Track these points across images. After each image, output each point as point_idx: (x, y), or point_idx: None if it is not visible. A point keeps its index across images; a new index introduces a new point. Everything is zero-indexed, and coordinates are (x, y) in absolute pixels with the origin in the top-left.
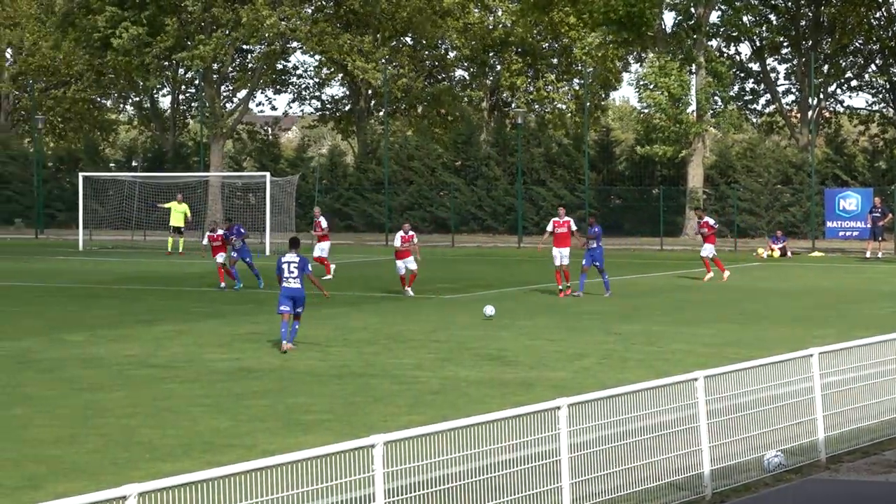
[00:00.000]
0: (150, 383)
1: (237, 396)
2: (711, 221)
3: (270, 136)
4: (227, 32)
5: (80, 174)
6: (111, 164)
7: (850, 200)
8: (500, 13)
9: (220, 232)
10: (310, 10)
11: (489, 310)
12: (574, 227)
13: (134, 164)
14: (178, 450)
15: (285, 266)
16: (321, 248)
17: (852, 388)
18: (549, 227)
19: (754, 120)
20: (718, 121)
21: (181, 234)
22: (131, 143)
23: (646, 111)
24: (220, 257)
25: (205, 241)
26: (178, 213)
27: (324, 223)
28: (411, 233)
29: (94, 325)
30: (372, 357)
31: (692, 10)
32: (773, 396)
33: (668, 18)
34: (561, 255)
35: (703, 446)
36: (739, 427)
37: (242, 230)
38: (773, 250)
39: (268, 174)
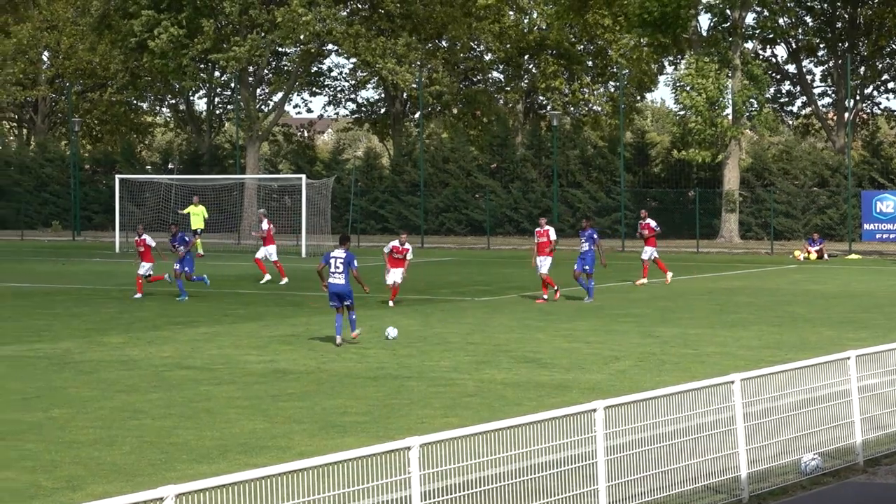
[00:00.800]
0: (186, 385)
1: (273, 398)
2: (653, 224)
3: (306, 139)
4: (263, 34)
5: (117, 176)
6: (147, 167)
7: (888, 203)
8: (535, 15)
9: (145, 237)
10: (345, 13)
11: (392, 332)
12: (553, 237)
13: (170, 166)
14: (215, 451)
15: (332, 261)
16: (267, 251)
17: (890, 391)
18: (536, 239)
19: (790, 122)
20: (754, 123)
21: (197, 235)
22: (167, 146)
23: (682, 113)
24: (143, 268)
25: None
26: (197, 215)
27: (265, 226)
28: (407, 246)
29: (131, 328)
30: (408, 359)
31: (728, 12)
32: (811, 399)
33: (704, 21)
34: (540, 263)
35: (739, 449)
36: (776, 430)
37: (187, 238)
38: (809, 253)
39: (303, 176)
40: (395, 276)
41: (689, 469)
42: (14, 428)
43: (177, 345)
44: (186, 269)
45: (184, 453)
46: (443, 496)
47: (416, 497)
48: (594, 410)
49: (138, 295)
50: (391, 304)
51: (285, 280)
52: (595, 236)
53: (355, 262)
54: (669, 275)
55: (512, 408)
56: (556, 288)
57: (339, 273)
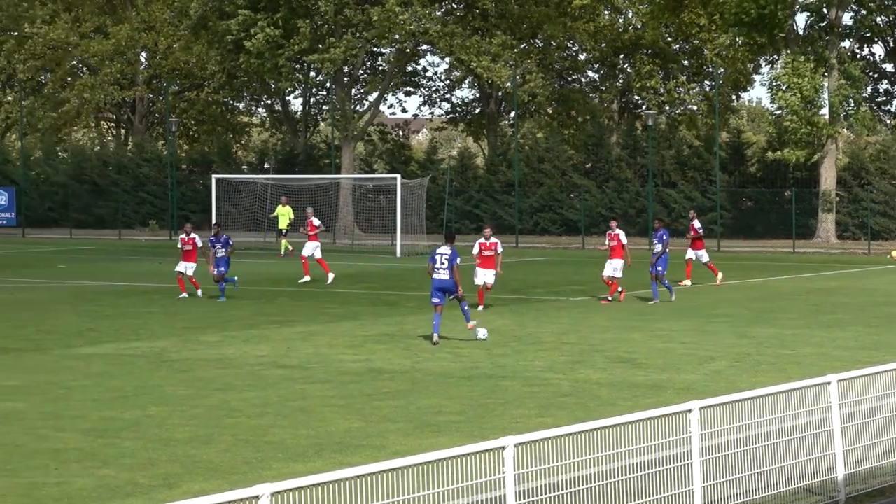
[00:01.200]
0: (281, 384)
1: (368, 397)
2: (697, 225)
3: (401, 139)
4: (358, 34)
5: (213, 176)
6: (243, 167)
7: None
8: (630, 15)
9: (194, 236)
10: (440, 13)
11: (481, 333)
12: (625, 241)
13: (266, 166)
14: (310, 450)
15: (438, 257)
16: (311, 248)
17: None
18: (606, 241)
19: (888, 121)
20: (851, 122)
21: (284, 235)
22: (263, 146)
23: (778, 113)
24: (183, 266)
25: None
26: (284, 216)
27: (316, 222)
28: (494, 240)
29: (227, 327)
30: (502, 359)
31: (824, 11)
32: None
33: (800, 19)
34: (612, 267)
35: (836, 450)
36: (874, 431)
37: (231, 242)
38: None
39: (398, 176)
40: (484, 276)
41: (785, 470)
42: (112, 425)
43: (272, 344)
44: (222, 269)
45: (279, 452)
46: (537, 496)
47: (510, 497)
48: (689, 411)
49: (183, 294)
50: (480, 308)
51: (331, 276)
52: (666, 237)
53: (458, 260)
54: (720, 276)
55: (607, 408)
56: (620, 290)
57: (444, 269)
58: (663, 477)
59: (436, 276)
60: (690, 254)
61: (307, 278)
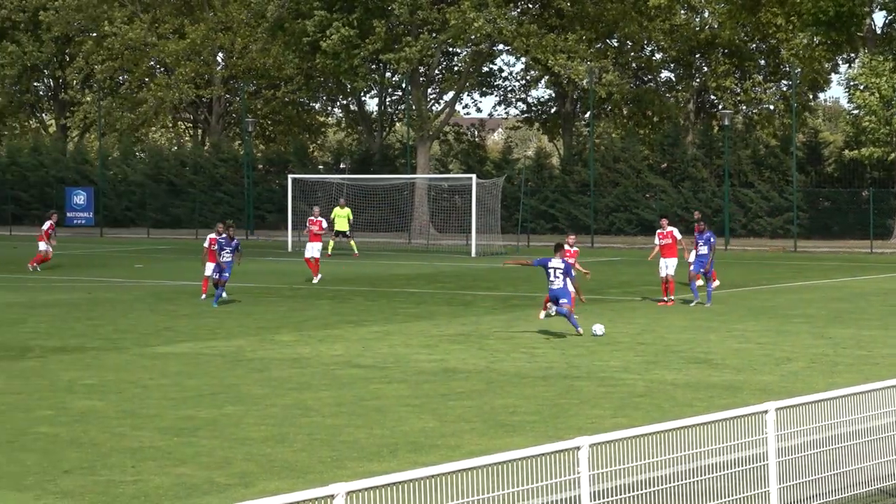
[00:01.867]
0: (356, 383)
1: (443, 397)
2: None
3: (476, 138)
4: (434, 35)
5: (289, 176)
6: (319, 167)
7: None
8: (706, 14)
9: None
10: (515, 13)
11: (598, 329)
12: (679, 236)
13: (341, 166)
14: (385, 449)
15: (551, 271)
16: (313, 248)
17: None
18: (656, 240)
19: None
20: None
21: (347, 237)
22: (339, 146)
23: (855, 112)
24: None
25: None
26: (342, 217)
27: (324, 224)
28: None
29: (303, 326)
30: (577, 359)
31: None
32: None
33: (878, 18)
34: (667, 266)
35: None
36: None
37: (240, 248)
38: None
39: (474, 176)
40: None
41: (862, 472)
42: (189, 424)
43: (348, 343)
44: (226, 274)
45: (354, 451)
46: (612, 497)
47: (584, 497)
48: (765, 412)
49: (203, 296)
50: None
51: (318, 278)
52: (713, 240)
53: (573, 272)
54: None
55: (682, 408)
56: (670, 298)
57: (559, 280)
58: (738, 478)
59: (550, 286)
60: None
61: (319, 277)
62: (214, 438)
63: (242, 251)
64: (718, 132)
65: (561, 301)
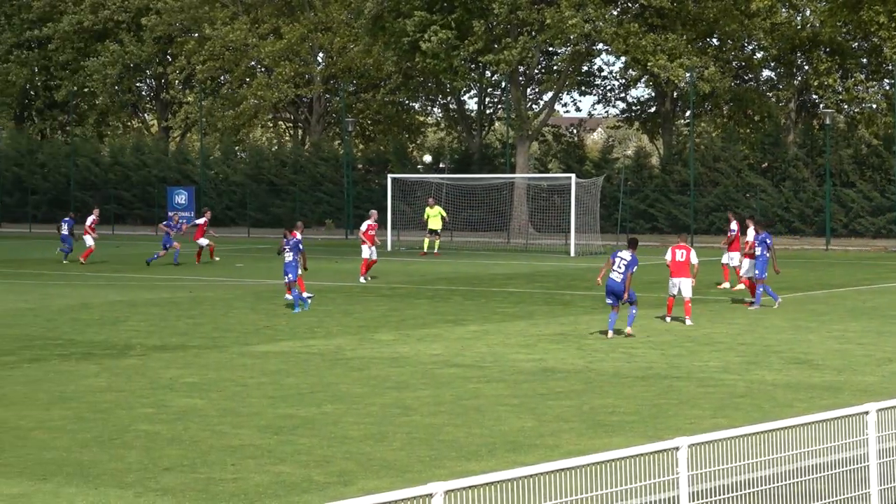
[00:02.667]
0: (455, 382)
1: (542, 396)
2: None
3: (575, 138)
4: (533, 35)
5: (389, 176)
6: (418, 166)
7: None
8: (808, 13)
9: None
10: (615, 12)
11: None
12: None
13: (441, 165)
14: (483, 449)
15: (617, 259)
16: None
17: None
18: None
19: None
20: None
21: (438, 235)
22: (438, 145)
23: None
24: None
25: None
26: (434, 217)
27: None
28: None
29: (402, 325)
30: (677, 359)
31: None
32: None
33: None
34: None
35: None
36: None
37: (301, 247)
38: None
39: (573, 176)
40: (683, 285)
41: None
42: (289, 423)
43: (446, 342)
44: (290, 275)
45: (452, 450)
46: (711, 497)
47: (683, 498)
48: (866, 413)
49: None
50: (668, 318)
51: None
52: (769, 241)
53: (634, 268)
54: (726, 284)
55: (782, 409)
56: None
57: (619, 272)
58: (839, 480)
59: (610, 275)
60: (728, 258)
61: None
62: (313, 437)
63: (304, 250)
64: (820, 131)
65: (621, 300)
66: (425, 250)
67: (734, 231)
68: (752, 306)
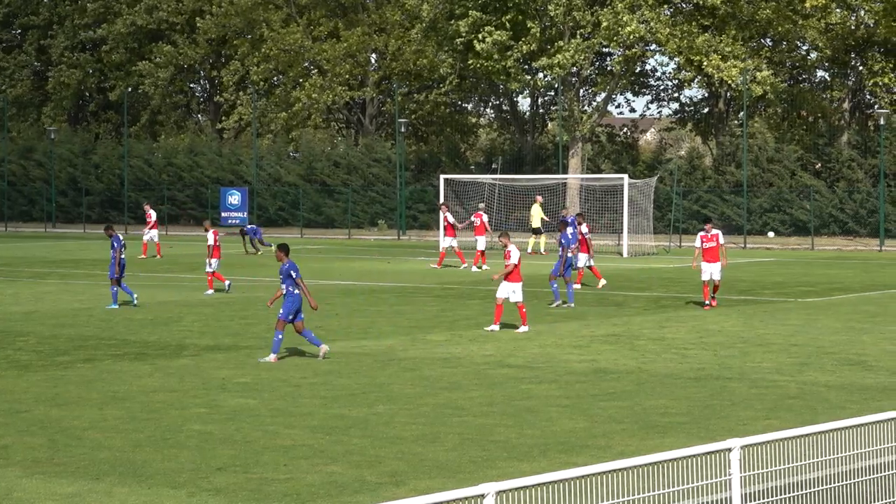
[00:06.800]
0: (507, 383)
1: (594, 397)
2: (584, 230)
3: (628, 139)
4: (587, 37)
5: (441, 176)
6: (471, 167)
7: None
8: (862, 13)
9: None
10: (668, 13)
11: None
12: (722, 241)
13: (493, 166)
14: (535, 450)
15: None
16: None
17: None
18: (698, 243)
19: None
20: None
21: (540, 233)
22: (491, 146)
23: None
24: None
25: None
26: (534, 215)
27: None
28: (715, 232)
29: (454, 326)
30: (729, 360)
31: None
32: None
33: None
34: (711, 271)
35: None
36: None
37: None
38: None
39: (625, 176)
40: (713, 270)
41: None
42: (340, 423)
43: (498, 343)
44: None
45: (504, 451)
46: (764, 499)
47: (736, 499)
48: None
49: (209, 291)
50: (707, 307)
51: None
52: (563, 240)
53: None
54: (602, 282)
55: (835, 411)
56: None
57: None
58: (892, 482)
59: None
60: (582, 260)
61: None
62: (365, 437)
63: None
64: (874, 132)
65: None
66: (531, 250)
67: (586, 233)
68: (562, 306)
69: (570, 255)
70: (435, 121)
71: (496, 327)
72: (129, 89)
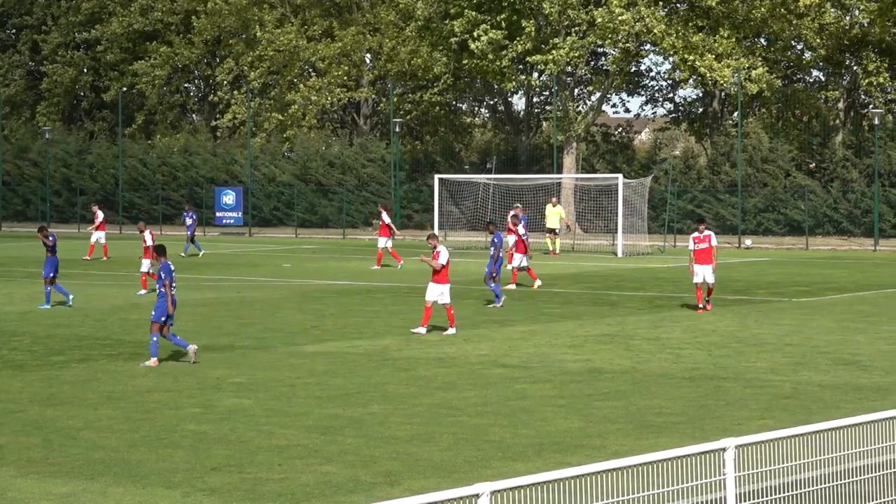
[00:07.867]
0: (502, 383)
1: (588, 397)
2: (521, 230)
3: (623, 138)
4: (582, 35)
5: (436, 176)
6: (466, 167)
7: None
8: (857, 12)
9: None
10: (663, 12)
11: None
12: (715, 242)
13: (488, 166)
14: (530, 449)
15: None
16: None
17: None
18: (691, 245)
19: None
20: None
21: (556, 234)
22: (485, 146)
23: None
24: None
25: None
26: (553, 215)
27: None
28: (707, 232)
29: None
30: (724, 360)
31: None
32: None
33: None
34: (703, 273)
35: None
36: None
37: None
38: None
39: (620, 176)
40: (706, 272)
41: None
42: (335, 423)
43: (493, 343)
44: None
45: (499, 451)
46: (758, 499)
47: (730, 499)
48: None
49: (142, 291)
50: (700, 310)
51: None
52: (497, 240)
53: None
54: (537, 283)
55: (829, 410)
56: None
57: None
58: (887, 482)
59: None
60: (517, 260)
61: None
62: (360, 437)
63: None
64: (868, 132)
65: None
66: (551, 249)
67: (523, 234)
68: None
69: (501, 254)
70: (430, 121)
71: (423, 329)
72: (124, 89)
